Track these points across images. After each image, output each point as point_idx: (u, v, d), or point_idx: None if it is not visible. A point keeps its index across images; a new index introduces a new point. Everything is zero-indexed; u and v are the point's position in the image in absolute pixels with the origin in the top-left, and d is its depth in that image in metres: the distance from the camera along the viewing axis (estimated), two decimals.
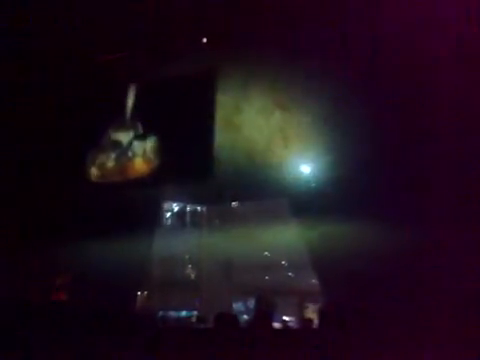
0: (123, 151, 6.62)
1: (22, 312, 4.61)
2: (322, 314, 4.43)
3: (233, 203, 6.14)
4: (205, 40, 6.67)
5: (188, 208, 6.45)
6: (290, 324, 4.81)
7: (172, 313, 5.27)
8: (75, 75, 6.90)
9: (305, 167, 6.72)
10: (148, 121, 6.44)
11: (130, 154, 6.53)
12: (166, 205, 6.47)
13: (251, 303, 5.12)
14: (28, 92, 6.95)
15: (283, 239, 6.19)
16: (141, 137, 6.47)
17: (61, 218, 6.97)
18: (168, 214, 6.41)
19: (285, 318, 4.88)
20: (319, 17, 6.09)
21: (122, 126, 6.59)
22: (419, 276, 4.83)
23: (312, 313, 4.83)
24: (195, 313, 5.26)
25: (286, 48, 6.30)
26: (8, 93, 6.85)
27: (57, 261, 6.39)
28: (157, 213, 6.32)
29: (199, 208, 6.45)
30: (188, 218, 6.39)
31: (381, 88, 6.04)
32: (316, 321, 4.48)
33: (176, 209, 6.41)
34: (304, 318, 4.83)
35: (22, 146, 6.92)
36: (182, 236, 6.39)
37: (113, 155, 6.68)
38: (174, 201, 6.47)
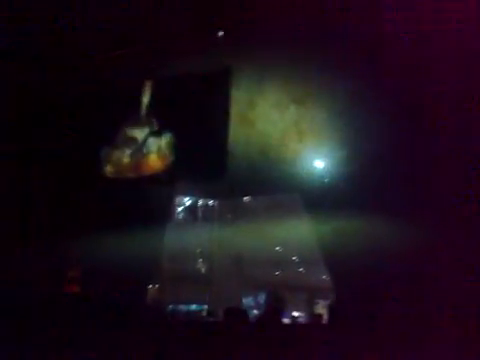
0: (138, 147, 6.64)
1: (34, 303, 4.67)
2: (332, 310, 4.41)
3: (245, 198, 6.12)
4: (220, 34, 6.65)
5: (200, 202, 6.46)
6: (300, 320, 4.79)
7: (182, 307, 5.28)
8: (89, 71, 6.95)
9: (319, 162, 6.67)
10: (163, 117, 6.45)
11: (145, 150, 6.54)
12: (178, 199, 6.48)
13: (261, 298, 5.11)
14: (42, 89, 7.03)
15: (295, 235, 6.16)
16: (156, 133, 6.49)
17: (75, 212, 7.06)
18: (180, 208, 6.43)
19: (295, 314, 4.86)
20: (335, 11, 6.03)
21: (137, 122, 6.62)
22: (433, 273, 4.77)
23: (322, 309, 4.80)
24: (205, 307, 5.26)
25: (301, 42, 6.26)
26: (22, 91, 6.93)
27: (70, 254, 6.46)
28: (169, 207, 6.34)
29: (211, 203, 6.45)
30: (200, 212, 6.40)
31: (397, 83, 5.97)
32: (326, 317, 4.46)
33: (188, 203, 6.42)
34: (314, 314, 4.80)
35: (42, 144, 7.03)
36: (194, 230, 6.40)
37: (128, 151, 6.72)
38: (186, 195, 6.48)
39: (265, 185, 6.19)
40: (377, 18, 5.82)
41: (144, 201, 6.30)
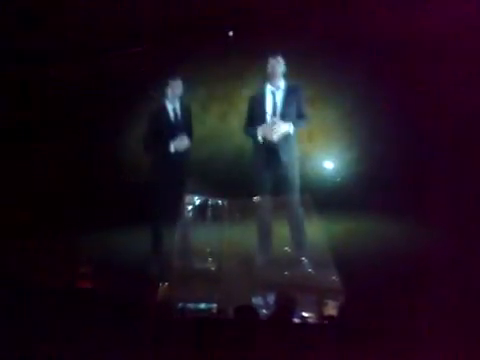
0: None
1: (45, 298, 4.69)
2: (342, 311, 4.40)
3: (255, 197, 6.13)
4: (230, 34, 6.70)
5: (210, 201, 6.47)
6: (310, 320, 4.78)
7: (192, 305, 5.28)
8: (105, 70, 7.02)
9: (329, 163, 6.69)
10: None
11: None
12: (188, 199, 6.50)
13: (270, 298, 5.11)
14: (62, 87, 7.10)
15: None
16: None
17: (86, 209, 7.11)
18: (190, 207, 6.45)
19: (305, 314, 4.85)
20: (347, 11, 6.06)
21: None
22: (444, 273, 4.77)
23: (332, 309, 4.79)
24: (214, 306, 5.26)
25: (312, 42, 6.27)
26: (40, 89, 7.00)
27: (80, 250, 6.51)
28: (179, 206, 6.38)
29: (220, 202, 6.46)
30: (209, 211, 6.41)
31: (406, 85, 5.99)
32: (336, 318, 4.45)
33: (198, 202, 6.44)
34: (324, 314, 4.78)
35: (58, 142, 7.11)
36: (203, 229, 6.42)
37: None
38: (196, 195, 6.50)
39: (274, 185, 6.20)
40: (387, 20, 5.81)
41: (156, 200, 6.34)
